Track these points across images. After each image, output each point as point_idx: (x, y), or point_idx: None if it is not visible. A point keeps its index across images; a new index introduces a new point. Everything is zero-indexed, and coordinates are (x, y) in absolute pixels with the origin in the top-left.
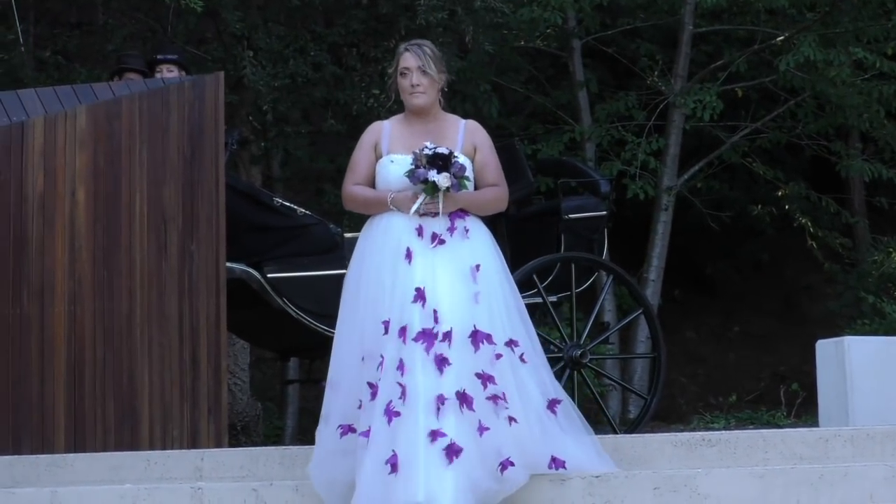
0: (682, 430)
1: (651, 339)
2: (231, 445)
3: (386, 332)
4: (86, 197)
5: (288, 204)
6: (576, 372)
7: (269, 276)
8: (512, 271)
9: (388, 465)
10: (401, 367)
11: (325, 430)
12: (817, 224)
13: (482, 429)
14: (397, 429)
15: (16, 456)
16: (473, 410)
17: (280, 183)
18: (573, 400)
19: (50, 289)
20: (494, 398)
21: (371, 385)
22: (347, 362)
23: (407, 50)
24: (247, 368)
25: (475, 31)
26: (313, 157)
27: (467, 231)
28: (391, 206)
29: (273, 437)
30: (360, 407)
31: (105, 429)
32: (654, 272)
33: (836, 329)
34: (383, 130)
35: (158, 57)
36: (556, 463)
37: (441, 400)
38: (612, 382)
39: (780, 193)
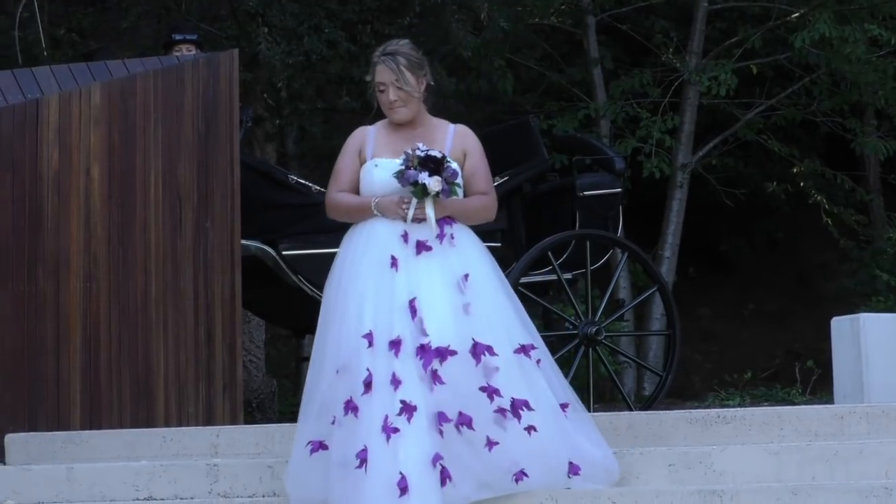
0: (696, 407)
1: (666, 316)
2: (246, 422)
3: (371, 344)
4: (100, 174)
5: (303, 181)
6: (591, 349)
7: (283, 253)
8: (527, 248)
9: (399, 488)
10: (394, 381)
11: (300, 438)
12: (832, 201)
13: (491, 444)
14: (400, 448)
15: (32, 433)
16: (473, 430)
17: (295, 160)
18: (589, 377)
19: (65, 266)
20: (502, 411)
21: (348, 402)
22: (322, 375)
23: (380, 62)
24: (262, 346)
25: (490, 8)
26: (328, 135)
27: (453, 238)
28: (375, 212)
29: (288, 414)
30: (333, 423)
31: (121, 406)
32: (668, 249)
33: (851, 306)
34: (368, 135)
35: (176, 37)
36: (572, 468)
37: (444, 418)
38: (627, 359)
39: (794, 170)
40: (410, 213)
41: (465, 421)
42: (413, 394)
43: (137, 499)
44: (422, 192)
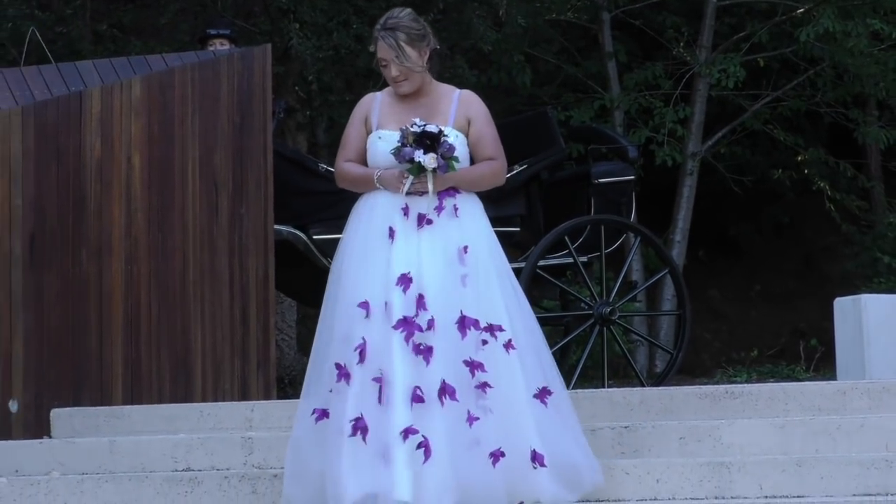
0: (706, 384)
1: (676, 297)
2: (279, 398)
3: (367, 314)
4: (141, 162)
5: (332, 169)
6: (605, 328)
7: (314, 237)
8: (545, 233)
9: (382, 456)
10: (386, 350)
11: (303, 407)
12: (835, 188)
13: (472, 419)
14: (381, 418)
15: (77, 408)
16: (457, 401)
17: (325, 149)
18: (603, 355)
19: (107, 249)
20: (483, 386)
21: (340, 366)
22: (321, 341)
23: (380, 38)
24: (294, 325)
25: (509, 5)
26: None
27: (457, 209)
28: (377, 185)
29: None
30: (331, 391)
31: (160, 382)
32: (679, 234)
33: (853, 287)
34: (374, 102)
35: (211, 31)
36: (536, 457)
37: (417, 393)
38: (640, 338)
39: (799, 159)
40: (405, 188)
41: (448, 391)
42: (393, 365)
43: (176, 470)
44: (418, 169)
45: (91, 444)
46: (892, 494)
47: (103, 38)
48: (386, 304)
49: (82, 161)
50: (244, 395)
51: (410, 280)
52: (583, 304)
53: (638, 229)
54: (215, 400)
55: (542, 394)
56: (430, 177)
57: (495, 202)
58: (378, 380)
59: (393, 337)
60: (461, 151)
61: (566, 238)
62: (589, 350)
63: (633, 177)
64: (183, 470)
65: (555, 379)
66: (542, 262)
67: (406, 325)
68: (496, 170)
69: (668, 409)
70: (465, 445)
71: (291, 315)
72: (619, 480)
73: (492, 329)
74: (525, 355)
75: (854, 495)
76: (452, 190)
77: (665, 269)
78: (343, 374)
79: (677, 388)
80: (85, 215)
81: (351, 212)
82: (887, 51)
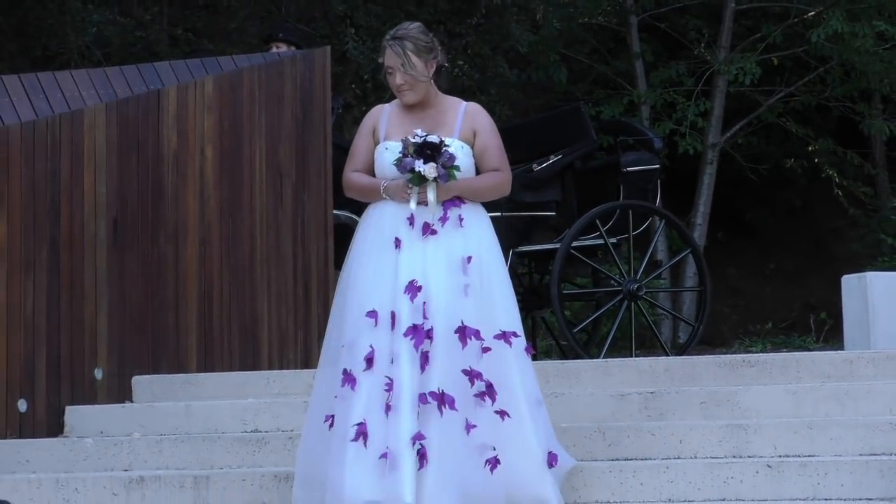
0: (724, 353)
1: (698, 274)
2: None
3: (376, 323)
4: (213, 154)
5: None
6: (633, 303)
7: None
8: (578, 216)
9: (384, 459)
10: (393, 359)
11: (312, 412)
12: (843, 175)
13: (469, 426)
14: (390, 424)
15: (156, 375)
16: (456, 410)
17: None
18: (631, 328)
19: (183, 233)
20: (482, 395)
21: (346, 372)
22: (329, 348)
23: (388, 47)
24: None
25: (545, 10)
26: None
27: (461, 220)
28: (384, 196)
29: None
30: (336, 397)
31: (231, 352)
32: (700, 217)
33: (859, 266)
34: (382, 114)
35: (272, 35)
36: (551, 458)
37: (423, 399)
38: (665, 312)
39: (810, 148)
40: (413, 202)
41: (448, 401)
42: (400, 372)
43: (245, 431)
44: (419, 179)
45: (168, 408)
46: (895, 454)
47: (179, 41)
48: (393, 313)
49: (160, 153)
50: (306, 364)
51: (418, 288)
52: (613, 282)
53: (663, 213)
54: (280, 368)
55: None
56: (430, 187)
57: (534, 189)
58: (388, 386)
59: (402, 345)
60: (466, 162)
61: (597, 221)
62: (618, 323)
63: (658, 166)
64: (251, 431)
65: (537, 384)
66: (575, 244)
67: (415, 332)
68: (501, 180)
69: (690, 376)
70: (463, 453)
71: None
72: (646, 441)
73: (506, 336)
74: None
75: (860, 455)
76: (458, 200)
77: (687, 250)
78: (348, 379)
79: (698, 357)
80: (162, 202)
81: (359, 221)
82: (891, 49)
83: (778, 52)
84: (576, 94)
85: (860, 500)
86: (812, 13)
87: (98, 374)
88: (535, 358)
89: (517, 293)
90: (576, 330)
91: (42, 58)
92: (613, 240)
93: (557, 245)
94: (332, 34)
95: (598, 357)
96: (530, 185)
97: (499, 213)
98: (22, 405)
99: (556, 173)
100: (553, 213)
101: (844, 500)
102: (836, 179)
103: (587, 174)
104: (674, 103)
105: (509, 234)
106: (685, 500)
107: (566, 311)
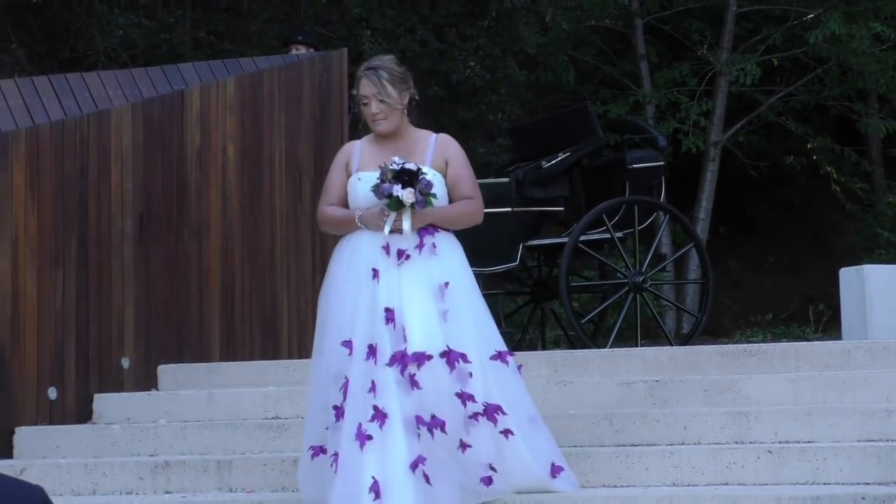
0: (726, 343)
1: (701, 267)
2: None
3: (350, 352)
4: (234, 152)
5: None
6: (638, 295)
7: None
8: (585, 212)
9: (372, 492)
10: (373, 389)
11: (305, 442)
12: (840, 172)
13: (464, 446)
14: (373, 453)
15: (180, 364)
16: (446, 433)
17: None
18: (637, 318)
19: (206, 227)
20: (476, 416)
21: (336, 408)
22: (316, 382)
23: (363, 76)
24: None
25: (554, 13)
26: (420, 119)
27: (435, 247)
28: (359, 224)
29: None
30: (327, 428)
31: (252, 342)
32: (703, 212)
33: (856, 259)
34: (354, 150)
35: (292, 37)
36: (554, 469)
37: (418, 422)
38: (669, 303)
39: (809, 146)
40: (387, 227)
41: (438, 424)
42: (387, 400)
43: (266, 418)
44: (396, 204)
45: (192, 396)
46: (891, 440)
47: (201, 44)
48: (372, 345)
49: (184, 151)
50: None
51: (395, 315)
52: (619, 274)
53: (667, 208)
54: (300, 357)
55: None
56: (406, 213)
57: (543, 186)
58: (373, 417)
59: (388, 374)
60: (439, 191)
61: (604, 216)
62: (624, 314)
63: (662, 163)
64: (272, 418)
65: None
66: (583, 238)
67: (399, 359)
68: (474, 209)
69: (693, 365)
70: (457, 471)
71: None
72: (651, 427)
73: (502, 356)
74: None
75: (858, 441)
76: (431, 228)
77: (691, 244)
78: (340, 413)
79: (701, 346)
80: (186, 198)
81: (333, 253)
82: (887, 51)
83: (778, 54)
84: (583, 94)
85: (858, 484)
86: (811, 15)
87: (125, 363)
88: (544, 347)
89: (527, 285)
90: (583, 321)
91: (70, 59)
92: (619, 234)
93: (566, 239)
94: (348, 36)
95: (604, 347)
96: (539, 181)
97: (509, 209)
98: (52, 393)
99: (564, 170)
100: (561, 209)
101: (842, 484)
102: (834, 176)
103: (594, 171)
104: (677, 103)
105: (519, 229)
106: (689, 485)
107: (574, 303)
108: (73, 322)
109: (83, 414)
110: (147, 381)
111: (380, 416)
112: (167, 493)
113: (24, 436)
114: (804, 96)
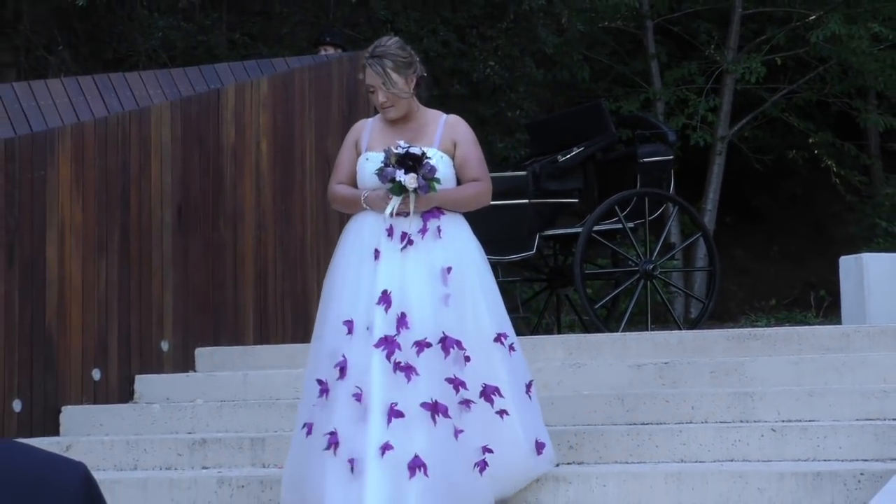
0: (732, 327)
1: (708, 256)
2: None
3: (350, 332)
4: (267, 147)
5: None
6: (649, 282)
7: None
8: (598, 203)
9: (350, 464)
10: (365, 369)
11: (297, 420)
12: (841, 165)
13: (457, 432)
14: (357, 433)
15: (216, 347)
16: (450, 417)
17: None
18: (647, 304)
19: (241, 218)
20: (466, 402)
21: (321, 382)
22: (312, 357)
23: (367, 66)
24: None
25: (569, 14)
26: None
27: (440, 231)
28: (364, 206)
29: None
30: (314, 406)
31: (284, 326)
32: (710, 203)
33: (855, 248)
34: (365, 128)
35: (322, 38)
36: (538, 447)
37: (396, 409)
38: (677, 290)
39: (811, 141)
40: (388, 210)
41: (441, 409)
42: (372, 382)
43: (297, 398)
44: (399, 188)
45: (228, 377)
46: (888, 419)
47: (236, 45)
48: (370, 322)
49: (220, 146)
50: None
51: (391, 298)
52: (630, 262)
53: (676, 200)
54: None
55: (528, 387)
56: (411, 197)
57: (558, 179)
58: (357, 396)
59: (373, 355)
60: (446, 172)
61: (616, 207)
62: (635, 300)
63: (672, 157)
64: None
65: (527, 370)
66: (596, 228)
67: (387, 343)
68: (481, 190)
69: (701, 348)
70: (453, 458)
71: None
72: (660, 407)
73: (500, 337)
74: (517, 354)
75: (857, 420)
76: (437, 211)
77: (699, 233)
78: (324, 389)
79: (709, 330)
80: (222, 190)
81: (342, 232)
82: (885, 50)
83: (781, 53)
84: (597, 92)
85: (856, 460)
86: (813, 17)
87: (164, 346)
88: (559, 331)
89: (543, 273)
90: (597, 306)
91: (113, 60)
92: (631, 224)
93: (580, 229)
94: (374, 37)
95: (616, 331)
96: (555, 174)
97: (527, 201)
98: (96, 374)
99: (578, 164)
100: (576, 200)
101: (842, 460)
102: (835, 169)
103: (607, 164)
104: (686, 100)
105: (536, 220)
106: (696, 461)
107: (588, 290)
108: (115, 307)
109: (125, 394)
110: (185, 364)
111: (360, 397)
112: (204, 468)
113: (70, 414)
114: (806, 93)
